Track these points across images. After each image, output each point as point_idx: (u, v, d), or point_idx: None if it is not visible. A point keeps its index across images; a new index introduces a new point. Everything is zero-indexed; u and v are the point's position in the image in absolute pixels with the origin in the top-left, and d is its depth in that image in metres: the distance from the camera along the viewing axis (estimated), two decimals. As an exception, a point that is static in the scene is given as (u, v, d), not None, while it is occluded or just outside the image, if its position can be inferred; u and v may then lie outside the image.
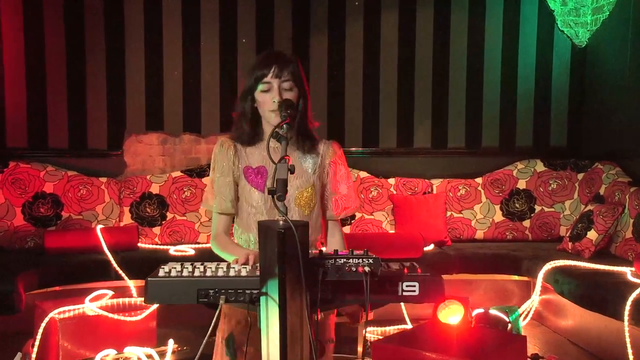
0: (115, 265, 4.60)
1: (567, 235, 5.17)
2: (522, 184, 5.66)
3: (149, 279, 1.80)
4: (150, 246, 5.14)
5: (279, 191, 1.68)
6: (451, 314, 4.24)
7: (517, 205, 5.63)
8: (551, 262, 4.75)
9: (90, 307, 3.53)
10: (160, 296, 1.81)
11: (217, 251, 2.47)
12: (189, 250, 4.93)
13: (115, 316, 3.42)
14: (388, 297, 1.86)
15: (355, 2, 5.64)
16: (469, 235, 5.57)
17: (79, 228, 5.08)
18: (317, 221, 2.47)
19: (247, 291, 1.81)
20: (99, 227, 4.91)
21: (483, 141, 5.87)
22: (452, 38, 5.77)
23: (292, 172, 1.77)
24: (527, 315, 5.07)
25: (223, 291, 1.81)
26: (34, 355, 3.29)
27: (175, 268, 1.84)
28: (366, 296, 1.73)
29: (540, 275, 4.78)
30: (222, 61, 5.53)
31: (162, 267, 1.86)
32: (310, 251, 2.41)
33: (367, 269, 1.76)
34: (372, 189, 5.52)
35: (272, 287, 1.70)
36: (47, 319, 3.44)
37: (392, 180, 5.57)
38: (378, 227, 5.46)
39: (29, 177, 5.13)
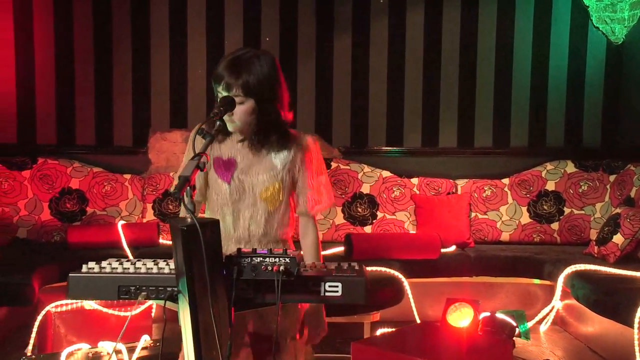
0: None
1: (594, 238, 5.00)
2: (551, 186, 5.49)
3: (70, 274, 1.84)
4: (171, 242, 5.21)
5: (176, 188, 1.68)
6: (461, 317, 4.17)
7: (545, 207, 5.46)
8: (572, 266, 4.61)
9: (87, 301, 3.61)
10: (81, 292, 1.84)
11: None
12: (207, 247, 4.98)
13: (110, 311, 3.50)
14: (309, 297, 1.83)
15: (380, 0, 5.59)
16: (494, 237, 5.44)
17: (101, 223, 5.21)
18: (283, 216, 2.47)
19: (168, 288, 1.82)
20: (120, 223, 5.02)
21: (511, 141, 5.72)
22: (480, 35, 5.65)
23: (202, 170, 1.77)
24: (547, 320, 4.94)
25: (144, 288, 1.82)
26: (29, 347, 3.40)
27: (99, 264, 1.87)
28: (277, 296, 1.71)
29: (561, 280, 4.64)
30: (246, 60, 5.56)
31: (87, 263, 1.89)
32: (274, 246, 2.42)
33: (282, 268, 1.74)
34: (394, 189, 5.45)
35: (183, 286, 1.70)
36: (43, 312, 3.54)
37: (415, 180, 5.49)
38: (400, 227, 5.39)
39: (56, 173, 5.29)
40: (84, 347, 2.78)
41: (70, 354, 2.72)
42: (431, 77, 5.66)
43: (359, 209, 5.41)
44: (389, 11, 5.61)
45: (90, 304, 3.58)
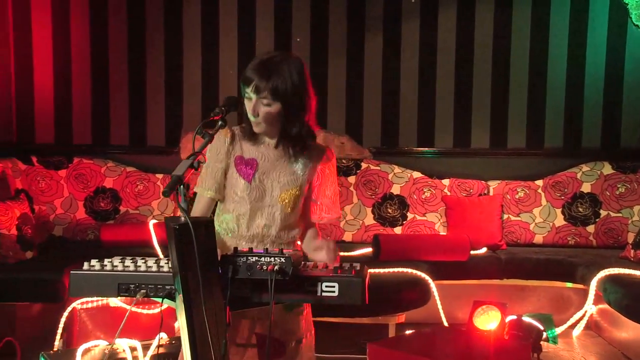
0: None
1: (631, 242, 4.88)
2: (586, 187, 5.38)
3: (72, 272, 1.87)
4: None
5: (167, 187, 1.69)
6: (488, 320, 4.11)
7: (580, 209, 5.35)
8: (606, 270, 4.52)
9: (112, 299, 3.67)
10: (83, 289, 1.87)
11: None
12: (236, 246, 5.01)
13: (134, 308, 3.54)
14: (306, 297, 1.83)
15: (411, 0, 5.54)
16: (527, 240, 5.34)
17: (133, 222, 5.28)
18: (296, 221, 2.49)
19: (167, 286, 1.84)
20: (152, 222, 5.08)
21: (546, 142, 5.61)
22: (514, 35, 5.55)
23: (196, 169, 1.78)
24: (580, 325, 4.83)
25: (143, 286, 1.84)
26: (56, 343, 3.47)
27: (100, 262, 1.89)
28: (270, 295, 1.71)
29: (594, 283, 4.56)
30: (277, 60, 5.58)
31: (89, 261, 1.92)
32: (285, 249, 2.41)
33: (276, 267, 1.74)
34: (425, 190, 5.41)
35: (178, 284, 1.72)
36: (69, 309, 3.61)
37: (446, 181, 5.44)
38: (430, 229, 5.34)
39: (91, 172, 5.39)
40: (102, 343, 2.84)
41: (87, 350, 2.77)
42: (463, 76, 5.59)
43: (389, 210, 5.38)
44: (420, 11, 5.56)
45: (115, 301, 3.64)
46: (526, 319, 3.99)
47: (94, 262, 1.91)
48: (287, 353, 2.31)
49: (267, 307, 2.01)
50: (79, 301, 3.69)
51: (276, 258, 1.77)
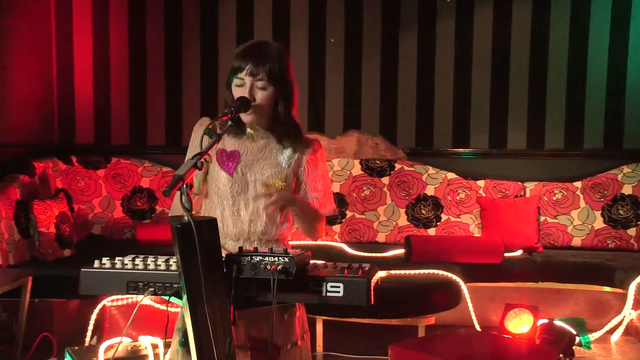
0: (194, 258, 4.80)
1: (672, 245, 4.75)
2: (627, 189, 5.24)
3: (82, 269, 1.90)
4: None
5: (168, 186, 1.71)
6: (520, 323, 4.06)
7: (621, 212, 5.22)
8: (645, 274, 4.41)
9: (140, 296, 3.70)
10: (92, 287, 1.90)
11: None
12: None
13: (162, 307, 3.59)
14: (311, 297, 1.82)
15: (446, 0, 5.49)
16: (564, 242, 5.24)
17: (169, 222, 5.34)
18: (285, 215, 2.39)
19: (175, 285, 1.86)
20: (187, 221, 5.13)
21: (585, 142, 5.49)
22: (552, 34, 5.45)
23: (200, 169, 1.79)
24: (618, 330, 4.71)
25: (151, 284, 1.86)
26: (87, 339, 3.54)
27: (110, 260, 1.92)
28: (273, 295, 1.71)
29: (632, 288, 4.45)
30: (311, 61, 5.60)
31: (99, 259, 1.95)
32: (273, 246, 2.38)
33: (280, 267, 1.74)
34: (459, 191, 5.35)
35: (182, 283, 1.73)
36: (99, 306, 3.68)
37: (481, 183, 5.37)
38: (465, 230, 5.29)
39: (128, 172, 5.49)
40: (125, 340, 2.88)
41: (110, 346, 2.82)
42: (499, 76, 5.51)
43: (423, 211, 5.34)
44: (456, 9, 5.50)
45: (144, 299, 3.67)
46: (558, 323, 3.91)
47: (105, 260, 1.95)
48: (282, 356, 2.26)
49: (261, 308, 2.00)
50: (109, 299, 3.76)
51: (280, 258, 1.77)
